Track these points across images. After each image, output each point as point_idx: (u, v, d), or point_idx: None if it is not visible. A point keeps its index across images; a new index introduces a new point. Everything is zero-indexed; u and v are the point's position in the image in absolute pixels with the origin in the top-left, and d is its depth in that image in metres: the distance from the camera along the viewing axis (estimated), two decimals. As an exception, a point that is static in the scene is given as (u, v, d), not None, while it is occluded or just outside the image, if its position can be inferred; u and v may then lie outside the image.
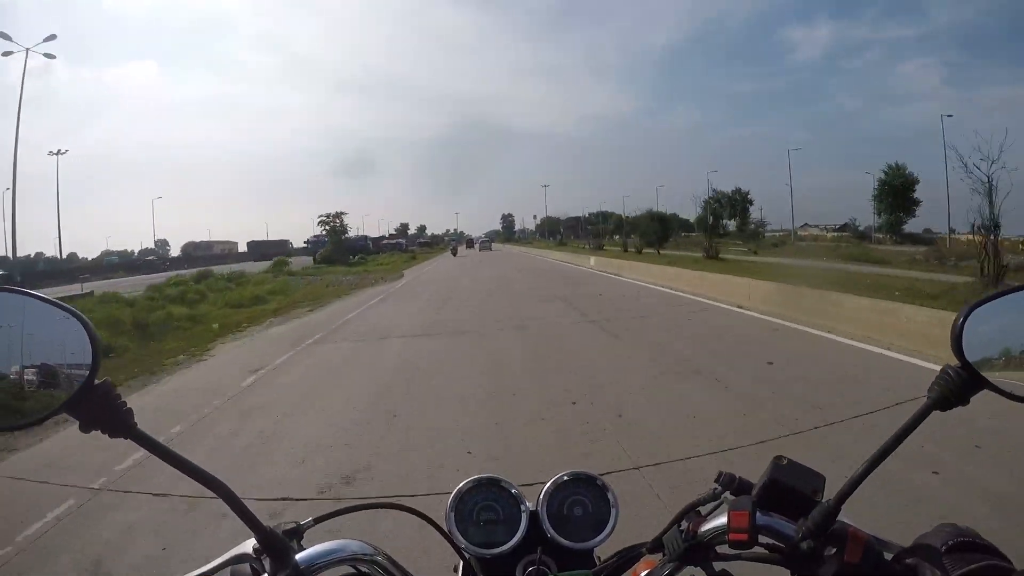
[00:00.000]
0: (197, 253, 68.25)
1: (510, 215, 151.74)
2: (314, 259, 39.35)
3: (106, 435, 0.54)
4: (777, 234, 58.22)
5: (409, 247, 71.56)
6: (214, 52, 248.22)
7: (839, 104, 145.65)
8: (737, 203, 57.50)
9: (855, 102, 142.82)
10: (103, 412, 0.53)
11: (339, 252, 39.67)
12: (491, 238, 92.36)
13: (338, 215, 43.47)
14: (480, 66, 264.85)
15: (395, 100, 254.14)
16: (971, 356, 0.56)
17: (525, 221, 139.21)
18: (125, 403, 0.55)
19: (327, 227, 43.20)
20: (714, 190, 51.60)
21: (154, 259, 60.02)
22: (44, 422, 0.55)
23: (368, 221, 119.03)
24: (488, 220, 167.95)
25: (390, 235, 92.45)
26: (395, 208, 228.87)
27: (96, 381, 0.54)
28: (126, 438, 0.54)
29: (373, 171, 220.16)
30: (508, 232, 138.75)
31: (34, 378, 0.55)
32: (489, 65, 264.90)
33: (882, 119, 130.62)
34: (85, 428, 0.53)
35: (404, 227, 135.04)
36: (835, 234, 58.68)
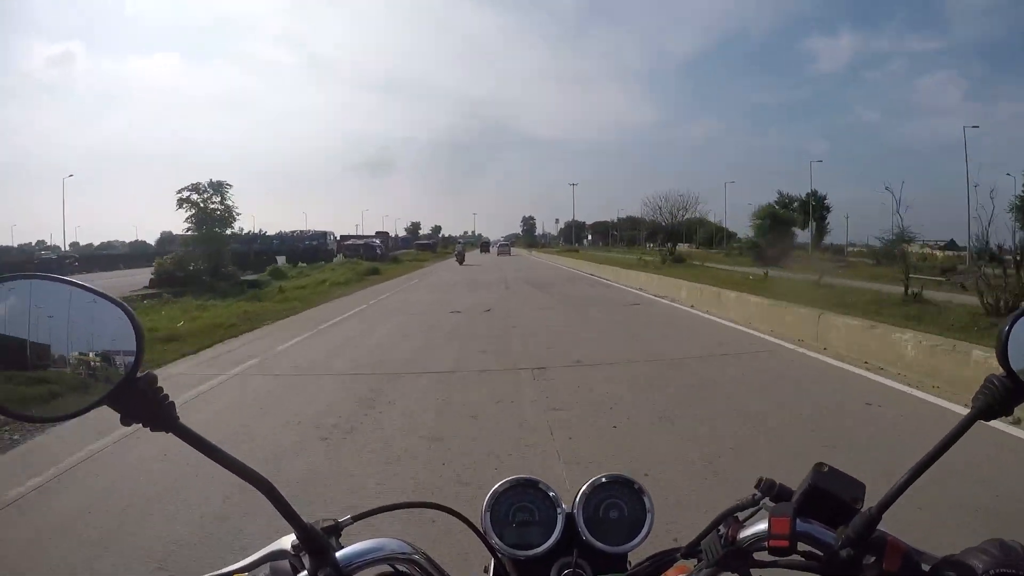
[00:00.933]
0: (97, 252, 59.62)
1: (531, 218, 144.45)
2: (152, 279, 20.03)
3: (147, 429, 0.54)
4: (853, 247, 49.93)
5: (397, 250, 59.90)
6: (236, 48, 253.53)
7: (859, 115, 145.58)
8: (813, 209, 51.83)
9: (873, 114, 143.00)
10: (146, 406, 0.53)
11: (215, 260, 21.20)
12: (510, 241, 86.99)
13: (216, 189, 21.88)
14: (501, 70, 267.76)
15: (415, 102, 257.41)
16: (1016, 365, 0.55)
17: (546, 225, 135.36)
18: (167, 396, 0.54)
19: (192, 211, 21.62)
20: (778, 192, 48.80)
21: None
22: (85, 414, 0.54)
23: (385, 221, 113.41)
24: (507, 223, 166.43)
25: (377, 232, 73.27)
26: (413, 209, 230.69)
27: (139, 374, 0.53)
28: (168, 432, 0.54)
29: (391, 171, 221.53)
30: (529, 236, 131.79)
31: (78, 369, 0.54)
32: (510, 69, 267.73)
33: (903, 131, 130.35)
34: (126, 421, 0.53)
35: (415, 226, 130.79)
36: (946, 253, 44.98)
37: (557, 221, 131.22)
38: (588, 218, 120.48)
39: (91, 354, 0.54)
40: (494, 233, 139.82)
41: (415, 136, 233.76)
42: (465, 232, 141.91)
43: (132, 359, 0.54)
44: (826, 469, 0.60)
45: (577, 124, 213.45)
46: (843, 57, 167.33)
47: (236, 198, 22.53)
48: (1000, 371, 0.56)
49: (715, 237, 70.10)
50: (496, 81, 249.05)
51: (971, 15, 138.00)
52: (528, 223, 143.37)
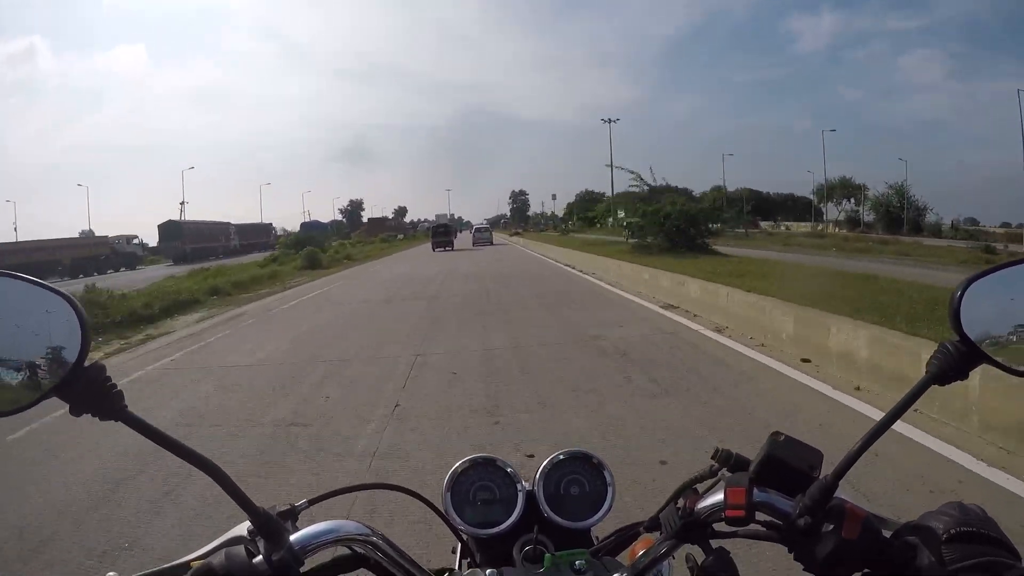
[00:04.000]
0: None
1: (523, 193, 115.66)
2: None
3: (96, 418, 0.53)
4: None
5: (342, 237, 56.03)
6: (209, 39, 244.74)
7: (841, 95, 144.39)
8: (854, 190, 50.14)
9: (856, 93, 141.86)
10: (94, 395, 0.53)
11: None
12: (493, 225, 73.64)
13: None
14: (481, 54, 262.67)
15: (394, 88, 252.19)
16: (969, 330, 0.55)
17: (545, 204, 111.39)
18: (115, 385, 0.54)
19: None
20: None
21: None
22: (33, 406, 0.54)
23: (369, 209, 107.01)
24: (492, 205, 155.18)
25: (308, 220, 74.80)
26: (396, 196, 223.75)
27: (86, 364, 0.53)
28: (117, 421, 0.54)
29: (372, 159, 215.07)
30: (520, 216, 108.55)
31: (24, 362, 0.54)
32: (490, 53, 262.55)
33: (885, 110, 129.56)
34: (76, 411, 0.53)
35: (402, 210, 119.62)
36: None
37: (554, 197, 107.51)
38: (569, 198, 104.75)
39: (38, 346, 0.54)
40: (478, 216, 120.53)
41: (393, 123, 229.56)
42: (442, 215, 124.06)
43: (78, 349, 0.53)
44: (782, 438, 0.60)
45: (557, 107, 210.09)
46: (824, 37, 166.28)
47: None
48: (954, 336, 0.56)
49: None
50: (475, 65, 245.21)
51: None
52: (520, 200, 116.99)
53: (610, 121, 61.14)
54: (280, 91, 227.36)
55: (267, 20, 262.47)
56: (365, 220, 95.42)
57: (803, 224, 58.11)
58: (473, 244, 39.14)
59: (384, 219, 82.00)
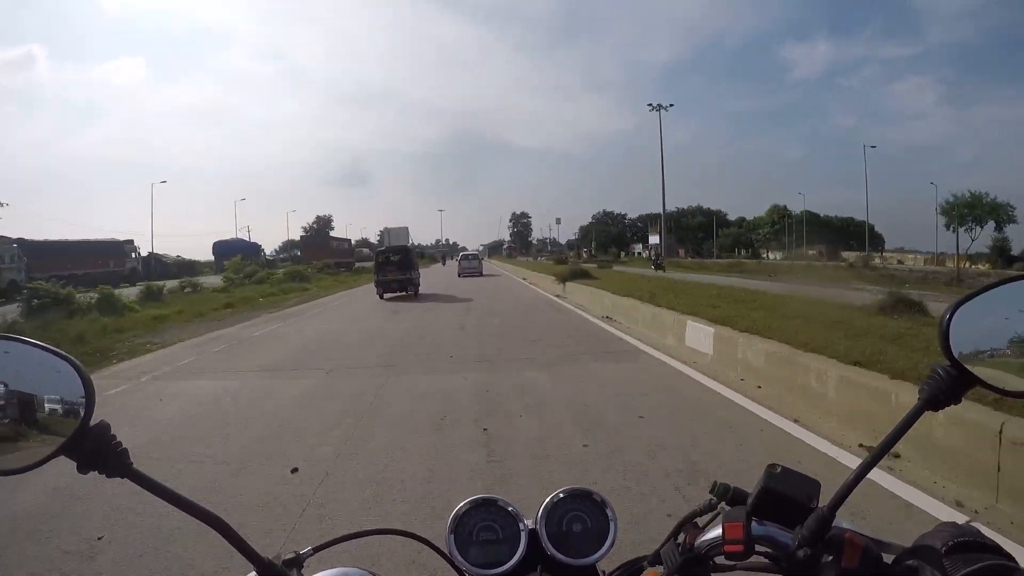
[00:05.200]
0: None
1: (524, 215, 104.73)
2: None
3: (103, 475, 0.55)
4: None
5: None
6: (210, 59, 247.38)
7: (836, 122, 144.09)
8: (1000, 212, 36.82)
9: (849, 120, 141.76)
10: (100, 453, 0.55)
11: None
12: (493, 250, 67.06)
13: None
14: (477, 80, 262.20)
15: (391, 112, 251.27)
16: (960, 354, 0.56)
17: (549, 229, 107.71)
18: (120, 443, 0.56)
19: None
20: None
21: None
22: (42, 466, 0.55)
23: (359, 232, 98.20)
24: (491, 229, 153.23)
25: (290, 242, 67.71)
26: (391, 220, 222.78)
27: (91, 423, 0.55)
28: (123, 478, 0.55)
29: (368, 182, 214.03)
30: (521, 241, 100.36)
31: (33, 422, 0.56)
32: (486, 80, 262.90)
33: (878, 136, 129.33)
34: (83, 470, 0.55)
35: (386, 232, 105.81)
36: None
37: (559, 222, 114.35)
38: (571, 227, 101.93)
39: (45, 407, 0.56)
40: (473, 241, 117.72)
41: (392, 147, 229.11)
42: (437, 240, 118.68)
43: (83, 409, 0.55)
44: (779, 470, 0.61)
45: (553, 134, 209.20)
46: (819, 64, 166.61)
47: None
48: (945, 361, 0.56)
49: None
50: (473, 91, 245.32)
51: (945, 21, 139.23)
52: (521, 223, 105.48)
53: (659, 108, 48.25)
54: (277, 111, 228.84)
55: (268, 41, 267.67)
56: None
57: (913, 254, 49.95)
58: (460, 275, 29.07)
59: (333, 240, 59.13)
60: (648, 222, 77.73)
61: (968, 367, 0.55)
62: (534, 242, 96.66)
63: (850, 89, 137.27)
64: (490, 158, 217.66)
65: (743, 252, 72.63)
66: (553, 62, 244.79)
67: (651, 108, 49.78)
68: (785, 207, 69.48)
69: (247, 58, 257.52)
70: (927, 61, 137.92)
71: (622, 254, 77.23)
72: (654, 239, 63.36)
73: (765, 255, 66.31)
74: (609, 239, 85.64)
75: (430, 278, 25.83)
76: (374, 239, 76.93)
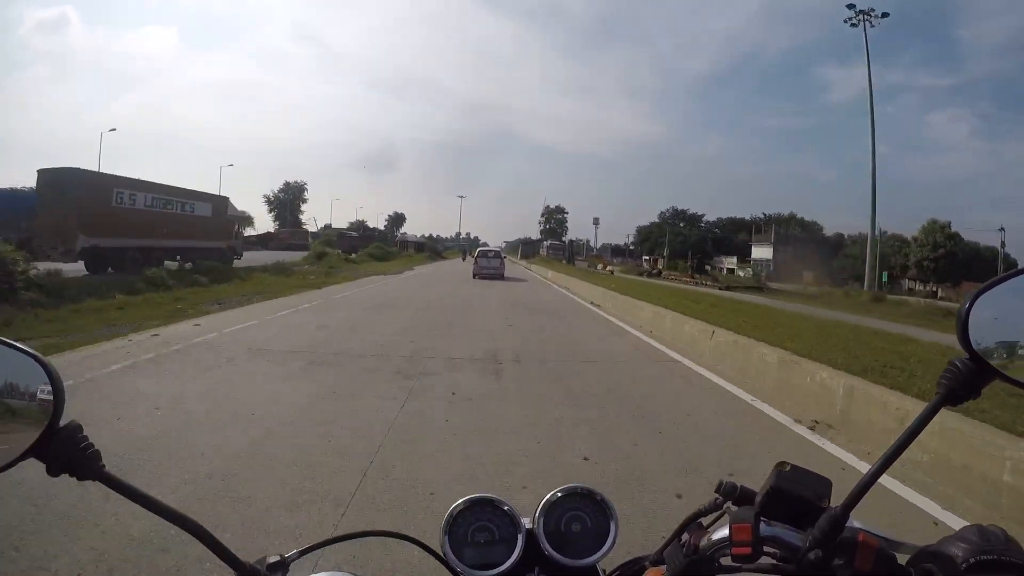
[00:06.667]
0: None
1: (560, 210, 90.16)
2: None
3: (74, 478, 0.53)
4: None
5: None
6: (247, 37, 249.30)
7: (867, 147, 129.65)
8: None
9: (881, 147, 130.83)
10: (70, 456, 0.52)
11: None
12: (531, 249, 57.55)
13: None
14: (513, 77, 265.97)
15: (421, 101, 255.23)
16: (979, 347, 0.53)
17: (580, 229, 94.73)
18: (91, 444, 0.54)
19: None
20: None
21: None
22: (9, 468, 0.52)
23: (380, 218, 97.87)
24: (517, 228, 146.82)
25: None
26: (413, 209, 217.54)
27: (61, 423, 0.52)
28: (95, 480, 0.53)
29: (394, 170, 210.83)
30: (555, 238, 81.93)
31: None
32: (522, 77, 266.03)
33: (909, 166, 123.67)
34: (53, 472, 0.52)
35: (398, 217, 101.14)
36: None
37: (597, 222, 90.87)
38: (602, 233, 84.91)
39: (11, 407, 0.53)
40: (495, 239, 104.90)
41: (419, 136, 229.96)
42: (457, 234, 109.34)
43: (51, 409, 0.53)
44: (788, 468, 0.58)
45: (584, 137, 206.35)
46: (854, 88, 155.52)
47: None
48: (963, 354, 0.53)
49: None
50: (505, 87, 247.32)
51: (984, 53, 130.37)
52: (554, 218, 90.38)
53: (862, 17, 31.95)
54: (311, 93, 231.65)
55: (305, 23, 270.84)
56: (320, 222, 78.79)
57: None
58: (475, 275, 23.54)
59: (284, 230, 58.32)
60: (753, 227, 62.00)
61: (988, 360, 0.52)
62: (570, 240, 78.73)
63: (885, 115, 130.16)
64: (517, 155, 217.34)
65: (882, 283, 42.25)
66: (589, 64, 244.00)
67: (852, 16, 33.03)
68: (948, 225, 48.17)
69: (283, 38, 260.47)
70: (964, 93, 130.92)
71: (706, 267, 57.35)
72: (761, 251, 53.84)
73: (912, 287, 47.42)
74: (684, 246, 64.52)
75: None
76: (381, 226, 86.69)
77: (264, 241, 51.78)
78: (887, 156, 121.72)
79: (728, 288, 30.37)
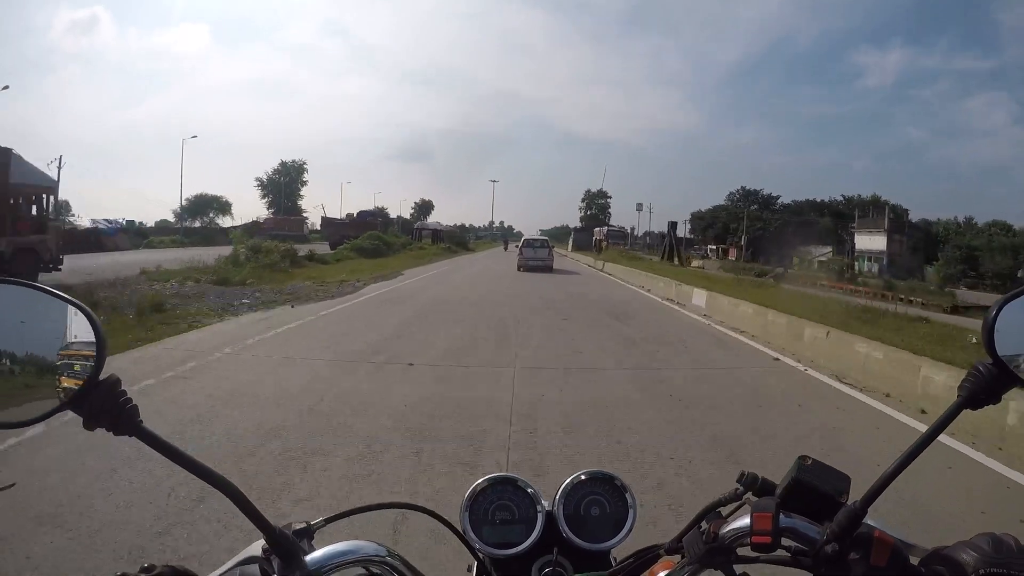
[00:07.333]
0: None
1: (602, 195, 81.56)
2: None
3: (111, 433, 0.52)
4: None
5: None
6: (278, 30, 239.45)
7: (906, 135, 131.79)
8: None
9: (921, 133, 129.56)
10: (108, 410, 0.51)
11: None
12: (585, 238, 49.77)
13: None
14: (542, 67, 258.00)
15: (453, 92, 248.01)
16: (1003, 352, 0.54)
17: (621, 216, 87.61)
18: (130, 399, 0.53)
19: None
20: None
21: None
22: (47, 419, 0.52)
23: (406, 206, 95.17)
24: (553, 217, 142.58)
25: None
26: (446, 200, 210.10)
27: (101, 377, 0.52)
28: (131, 436, 0.53)
29: (428, 160, 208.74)
30: (597, 224, 68.02)
31: (40, 373, 0.53)
32: (552, 66, 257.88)
33: (947, 152, 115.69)
34: (89, 425, 0.51)
35: (425, 204, 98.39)
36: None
37: (640, 207, 73.17)
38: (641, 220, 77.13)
39: (52, 358, 0.53)
40: (528, 228, 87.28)
41: (451, 128, 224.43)
42: (490, 223, 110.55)
43: (93, 362, 0.52)
44: (810, 462, 0.60)
45: (615, 126, 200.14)
46: (890, 73, 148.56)
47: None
48: (987, 358, 0.55)
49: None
50: (537, 77, 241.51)
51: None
52: (596, 204, 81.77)
53: None
54: (341, 87, 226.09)
55: (335, 17, 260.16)
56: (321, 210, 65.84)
57: None
58: (520, 267, 21.55)
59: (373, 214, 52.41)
60: (859, 210, 48.95)
61: (1011, 366, 0.54)
62: (614, 227, 63.44)
63: (920, 100, 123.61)
64: (549, 145, 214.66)
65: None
66: (619, 53, 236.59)
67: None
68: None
69: (312, 32, 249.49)
70: (1003, 78, 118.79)
71: (795, 259, 43.67)
72: (867, 240, 42.31)
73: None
74: (765, 233, 52.89)
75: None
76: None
77: (251, 231, 45.35)
78: (924, 141, 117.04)
79: (955, 310, 19.27)
